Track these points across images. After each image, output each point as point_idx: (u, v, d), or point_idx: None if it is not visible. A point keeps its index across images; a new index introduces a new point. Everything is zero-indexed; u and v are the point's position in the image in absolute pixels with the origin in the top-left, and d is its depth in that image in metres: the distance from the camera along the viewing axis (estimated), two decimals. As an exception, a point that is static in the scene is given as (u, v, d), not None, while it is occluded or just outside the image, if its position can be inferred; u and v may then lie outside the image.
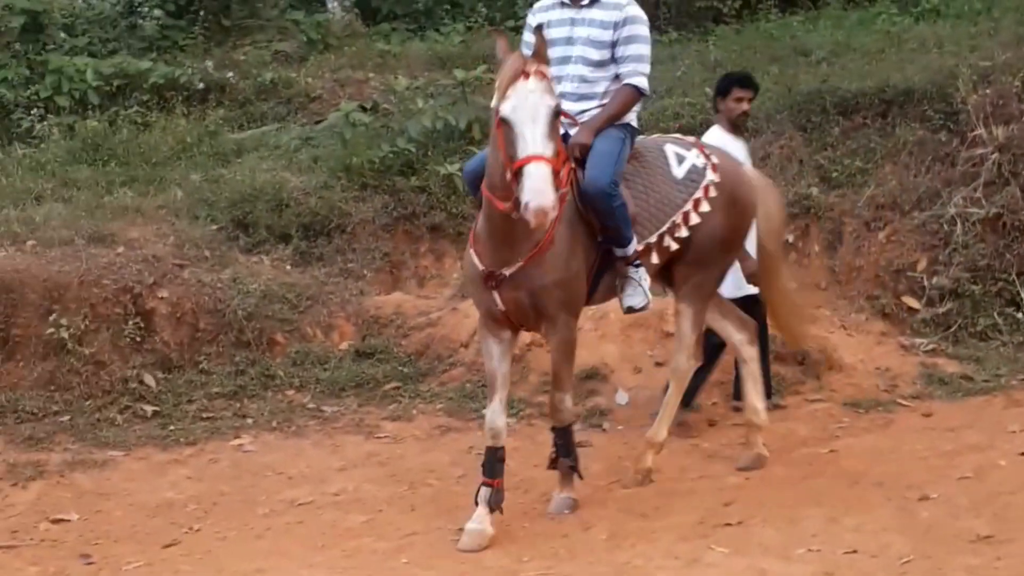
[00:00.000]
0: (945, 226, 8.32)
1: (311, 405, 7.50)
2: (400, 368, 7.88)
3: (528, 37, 5.74)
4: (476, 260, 5.43)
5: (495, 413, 5.49)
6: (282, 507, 6.07)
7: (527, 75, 4.96)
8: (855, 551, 4.96)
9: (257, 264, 8.50)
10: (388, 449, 6.89)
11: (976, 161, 8.51)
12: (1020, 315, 7.98)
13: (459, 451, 6.76)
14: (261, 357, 7.87)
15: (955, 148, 8.72)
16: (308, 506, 6.07)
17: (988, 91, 8.71)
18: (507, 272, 5.31)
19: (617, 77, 5.66)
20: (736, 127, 7.05)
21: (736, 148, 6.99)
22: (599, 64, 5.66)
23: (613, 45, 5.64)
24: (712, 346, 6.57)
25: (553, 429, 5.72)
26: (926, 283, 8.17)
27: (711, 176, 5.88)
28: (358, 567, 5.22)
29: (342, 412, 7.41)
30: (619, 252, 5.57)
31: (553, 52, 5.48)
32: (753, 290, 6.71)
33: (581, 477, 5.78)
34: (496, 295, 5.39)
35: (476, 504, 5.45)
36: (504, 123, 4.94)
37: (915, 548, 4.93)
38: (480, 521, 5.39)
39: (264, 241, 8.73)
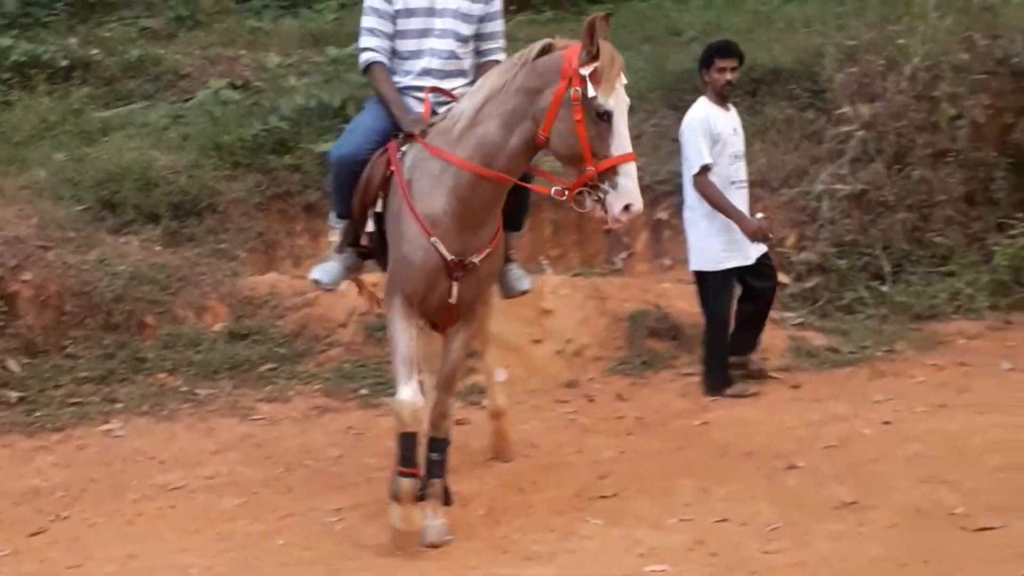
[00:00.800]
0: (813, 202, 8.52)
1: (184, 388, 7.34)
2: (276, 349, 7.75)
3: (375, 3, 5.44)
4: (441, 248, 4.90)
5: (415, 393, 4.96)
6: (154, 492, 5.94)
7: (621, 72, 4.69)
8: (725, 519, 5.08)
9: (125, 245, 8.27)
10: (264, 431, 6.79)
11: (842, 138, 8.70)
12: (885, 288, 8.21)
13: (336, 431, 6.71)
14: (131, 340, 7.69)
15: (822, 126, 8.92)
16: (181, 490, 5.95)
17: (854, 69, 8.90)
18: (476, 260, 4.96)
19: (479, 53, 5.45)
20: (723, 98, 7.03)
21: (725, 119, 6.98)
22: (467, 39, 5.41)
23: (480, 20, 5.42)
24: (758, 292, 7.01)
25: (433, 442, 5.15)
26: (794, 258, 8.35)
27: None
28: (233, 550, 5.15)
29: (216, 395, 7.27)
30: (516, 235, 5.50)
31: (409, 24, 5.34)
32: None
33: (451, 503, 5.23)
34: (455, 287, 4.97)
35: (395, 499, 4.97)
36: (602, 117, 4.58)
37: (782, 515, 5.06)
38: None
39: (132, 221, 8.51)
